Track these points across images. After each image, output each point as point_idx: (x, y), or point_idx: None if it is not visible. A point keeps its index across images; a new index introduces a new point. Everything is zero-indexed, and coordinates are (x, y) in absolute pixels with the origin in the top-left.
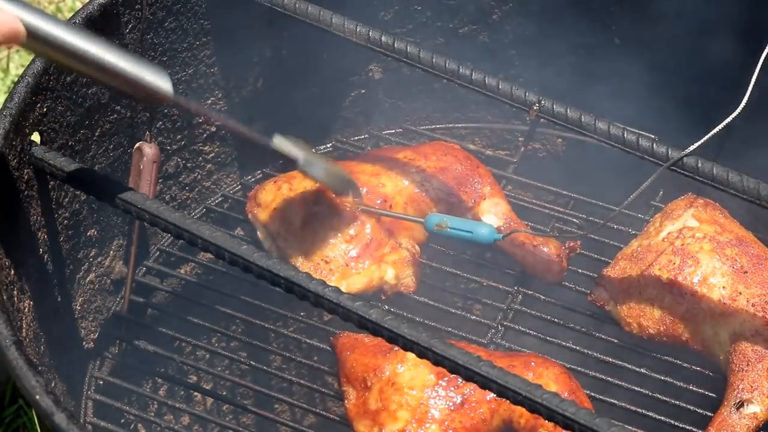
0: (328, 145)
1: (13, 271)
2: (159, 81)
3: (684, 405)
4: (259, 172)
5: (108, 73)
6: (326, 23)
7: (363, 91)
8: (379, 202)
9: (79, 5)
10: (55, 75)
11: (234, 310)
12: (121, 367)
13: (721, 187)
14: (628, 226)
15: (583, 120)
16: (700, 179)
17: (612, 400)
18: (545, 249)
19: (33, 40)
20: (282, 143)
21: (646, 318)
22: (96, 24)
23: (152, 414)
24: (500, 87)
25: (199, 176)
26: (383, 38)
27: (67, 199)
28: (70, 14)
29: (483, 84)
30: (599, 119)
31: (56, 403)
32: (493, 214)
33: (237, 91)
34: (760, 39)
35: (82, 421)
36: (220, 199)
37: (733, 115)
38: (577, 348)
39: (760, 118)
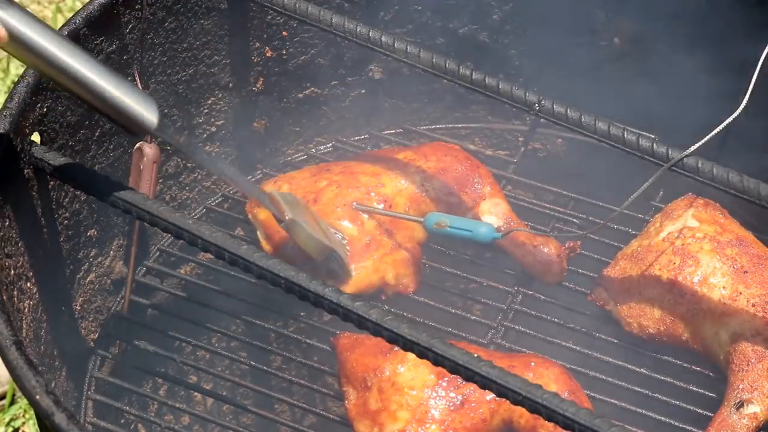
0: (328, 145)
1: (13, 271)
2: (143, 110)
3: (684, 405)
4: (259, 172)
5: (88, 90)
6: (326, 23)
7: (363, 91)
8: (376, 203)
9: (79, 5)
10: None
11: (234, 310)
12: (121, 367)
13: (721, 187)
14: (628, 226)
15: (583, 120)
16: (701, 179)
17: (612, 400)
18: (545, 249)
19: (15, 44)
20: (275, 199)
21: (646, 318)
22: (96, 24)
23: (152, 414)
24: (500, 87)
25: (199, 176)
26: (383, 38)
27: (67, 199)
28: (71, 14)
29: (483, 84)
30: (599, 119)
31: (56, 403)
32: (493, 214)
33: (237, 91)
34: (761, 39)
35: (82, 421)
36: (220, 199)
37: (734, 115)
38: (577, 348)
39: (761, 118)
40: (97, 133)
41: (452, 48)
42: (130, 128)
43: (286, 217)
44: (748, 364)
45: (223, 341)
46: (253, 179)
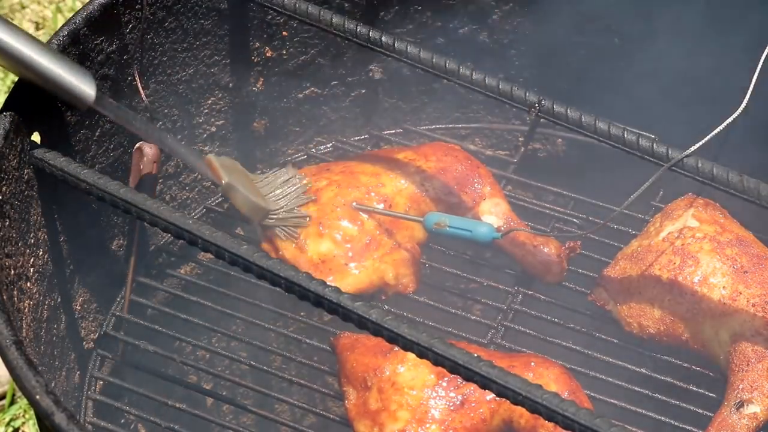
0: (328, 145)
1: (13, 271)
2: (80, 84)
3: (684, 405)
4: (258, 171)
5: (26, 66)
6: (326, 23)
7: (363, 91)
8: (376, 203)
9: (79, 5)
10: None
11: (234, 310)
12: (121, 367)
13: (721, 187)
14: (628, 226)
15: (583, 120)
16: (701, 179)
17: (612, 400)
18: (545, 249)
19: None
20: (212, 163)
21: (646, 318)
22: (96, 24)
23: (152, 414)
24: (500, 87)
25: (199, 176)
26: (383, 38)
27: (67, 199)
28: (71, 14)
29: (483, 84)
30: (599, 119)
31: (56, 403)
32: (493, 215)
33: (237, 91)
34: (761, 38)
35: (82, 421)
36: (220, 199)
37: (734, 115)
38: (577, 348)
39: (761, 118)
40: (97, 133)
41: (452, 48)
42: (70, 102)
43: (223, 181)
44: (748, 364)
45: (223, 341)
46: None
